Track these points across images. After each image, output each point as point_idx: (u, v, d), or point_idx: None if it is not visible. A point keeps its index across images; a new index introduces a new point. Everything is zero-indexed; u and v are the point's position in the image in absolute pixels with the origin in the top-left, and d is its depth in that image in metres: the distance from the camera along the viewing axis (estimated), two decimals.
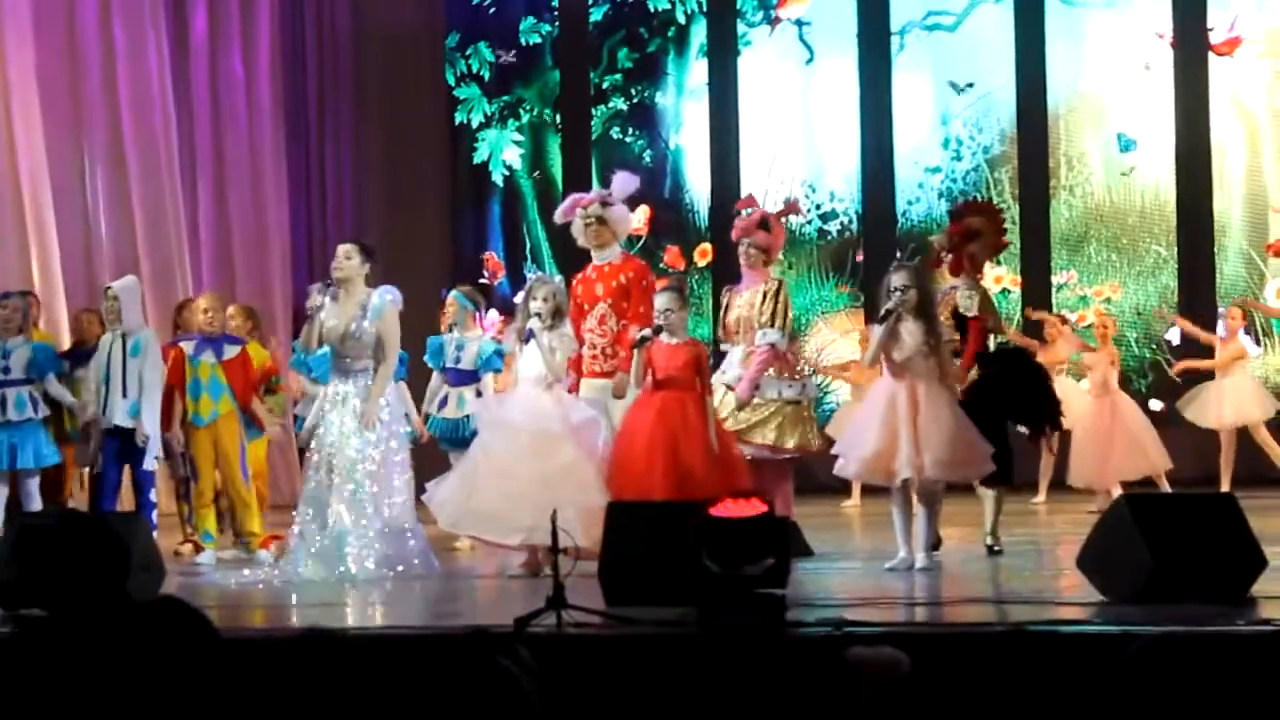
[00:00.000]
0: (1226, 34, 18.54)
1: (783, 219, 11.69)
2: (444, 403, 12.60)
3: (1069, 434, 13.93)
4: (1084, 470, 14.16)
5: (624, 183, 11.26)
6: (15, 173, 16.53)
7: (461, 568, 11.23)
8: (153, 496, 11.84)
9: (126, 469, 11.75)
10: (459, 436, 12.13)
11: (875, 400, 9.94)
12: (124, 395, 11.54)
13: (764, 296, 11.00)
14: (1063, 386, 13.96)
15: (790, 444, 10.82)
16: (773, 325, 10.92)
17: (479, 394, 12.41)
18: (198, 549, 11.86)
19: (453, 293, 13.01)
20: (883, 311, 9.89)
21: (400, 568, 10.19)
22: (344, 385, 10.46)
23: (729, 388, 10.88)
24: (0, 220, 16.40)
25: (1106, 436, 14.18)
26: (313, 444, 10.60)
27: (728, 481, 9.47)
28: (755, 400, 10.79)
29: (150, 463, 11.71)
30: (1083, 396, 14.68)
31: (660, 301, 10.38)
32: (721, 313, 11.35)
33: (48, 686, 4.38)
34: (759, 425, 10.79)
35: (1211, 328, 15.86)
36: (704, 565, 7.40)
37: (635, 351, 10.28)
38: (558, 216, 11.40)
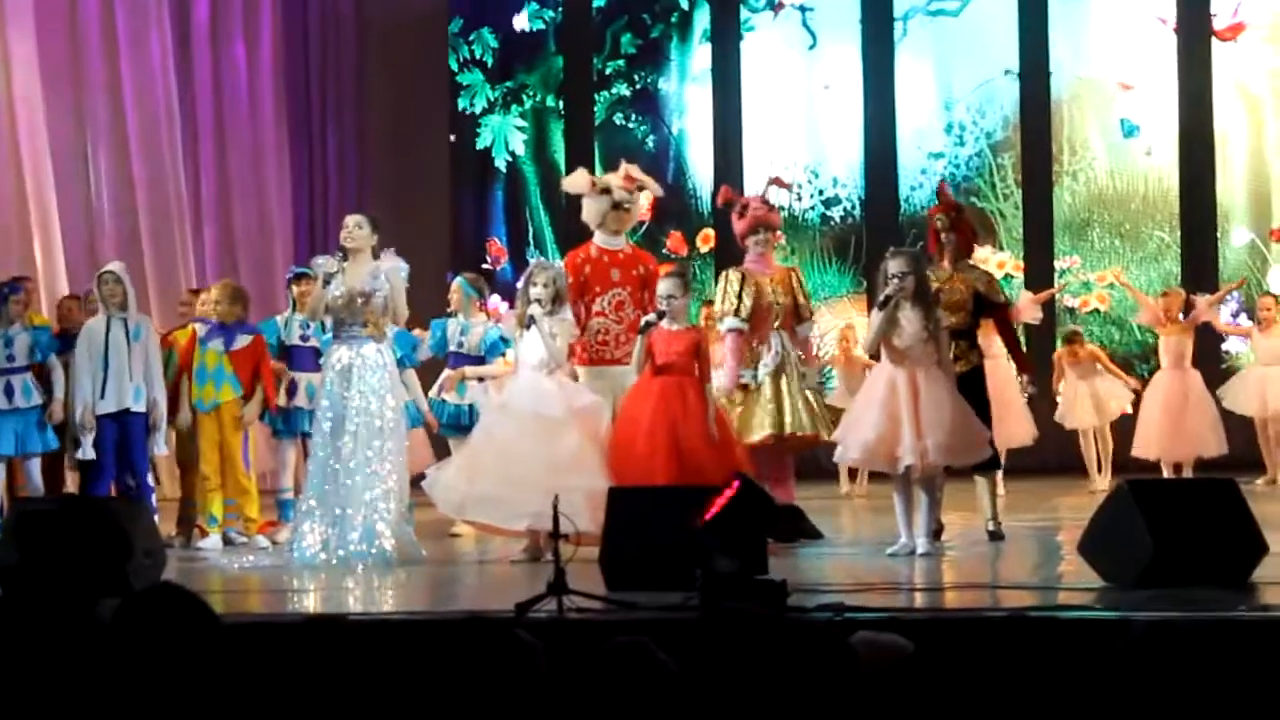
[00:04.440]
0: (1230, 19, 18.53)
1: (768, 195, 11.59)
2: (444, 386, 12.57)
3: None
4: (1160, 442, 14.42)
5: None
6: (17, 157, 16.54)
7: (461, 553, 11.23)
8: (149, 480, 11.85)
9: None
10: (461, 423, 12.10)
11: (875, 386, 9.93)
12: (129, 379, 11.54)
13: (800, 285, 11.16)
14: None
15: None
16: (809, 315, 11.29)
17: (481, 380, 12.36)
18: (203, 533, 11.86)
19: (457, 279, 12.97)
20: (881, 298, 9.87)
21: (393, 551, 10.14)
22: (349, 353, 10.39)
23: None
24: (3, 205, 16.41)
25: (1179, 411, 14.39)
26: (318, 418, 10.52)
27: (728, 465, 9.46)
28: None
29: (160, 447, 11.74)
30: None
31: (663, 287, 10.36)
32: (748, 299, 11.05)
33: (50, 670, 4.39)
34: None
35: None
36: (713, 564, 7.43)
37: (639, 337, 10.27)
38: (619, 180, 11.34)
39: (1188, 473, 14.51)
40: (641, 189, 11.38)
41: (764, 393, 10.96)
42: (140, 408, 11.55)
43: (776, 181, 11.73)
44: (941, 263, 11.02)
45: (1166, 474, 14.52)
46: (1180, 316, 14.94)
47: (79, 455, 11.65)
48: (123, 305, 11.61)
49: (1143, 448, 14.93)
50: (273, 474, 13.04)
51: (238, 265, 18.14)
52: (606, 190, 11.15)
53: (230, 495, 11.83)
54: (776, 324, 11.10)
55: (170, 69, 17.77)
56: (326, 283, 10.44)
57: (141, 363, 11.59)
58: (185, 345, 12.06)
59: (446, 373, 12.52)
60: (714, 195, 15.72)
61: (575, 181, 11.47)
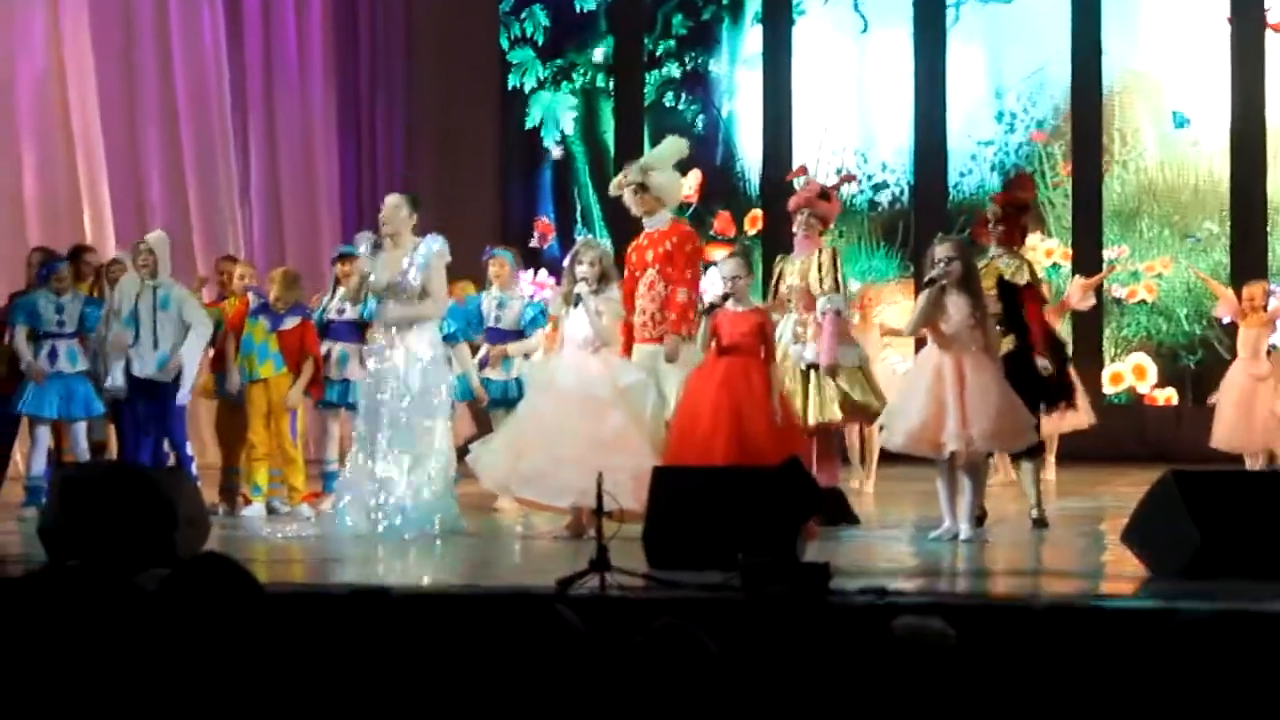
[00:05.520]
0: None
1: (838, 189, 11.74)
2: (483, 362, 12.58)
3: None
4: (1235, 435, 14.32)
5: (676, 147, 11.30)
6: (69, 132, 16.62)
7: (504, 527, 11.25)
8: (189, 450, 11.90)
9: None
10: (509, 397, 12.11)
11: (921, 372, 9.92)
12: (155, 348, 11.61)
13: (818, 265, 11.08)
14: None
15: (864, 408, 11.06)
16: (835, 291, 11.04)
17: (527, 356, 12.39)
18: (246, 501, 11.91)
19: (505, 252, 12.98)
20: (925, 281, 9.88)
21: (437, 524, 10.18)
22: (390, 336, 10.42)
23: (812, 366, 10.96)
24: (54, 179, 16.50)
25: (1252, 403, 14.29)
26: (364, 392, 10.54)
27: (788, 448, 9.43)
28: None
29: (184, 397, 11.78)
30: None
31: (726, 268, 10.34)
32: (774, 281, 11.39)
33: (95, 637, 4.41)
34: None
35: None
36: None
37: (703, 318, 10.26)
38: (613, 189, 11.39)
39: None
40: (649, 169, 11.31)
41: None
42: (166, 377, 11.64)
43: (847, 178, 12.03)
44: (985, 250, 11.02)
45: (1251, 465, 14.34)
46: (1264, 308, 14.77)
47: (107, 384, 11.71)
48: (154, 274, 11.71)
49: (1221, 440, 14.70)
50: (317, 443, 13.08)
51: (285, 241, 18.20)
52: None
53: (276, 465, 11.89)
54: (792, 308, 11.13)
55: (221, 44, 17.85)
56: (364, 276, 10.48)
57: (169, 332, 11.68)
58: (235, 313, 12.14)
59: (487, 348, 12.56)
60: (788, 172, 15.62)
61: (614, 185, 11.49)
